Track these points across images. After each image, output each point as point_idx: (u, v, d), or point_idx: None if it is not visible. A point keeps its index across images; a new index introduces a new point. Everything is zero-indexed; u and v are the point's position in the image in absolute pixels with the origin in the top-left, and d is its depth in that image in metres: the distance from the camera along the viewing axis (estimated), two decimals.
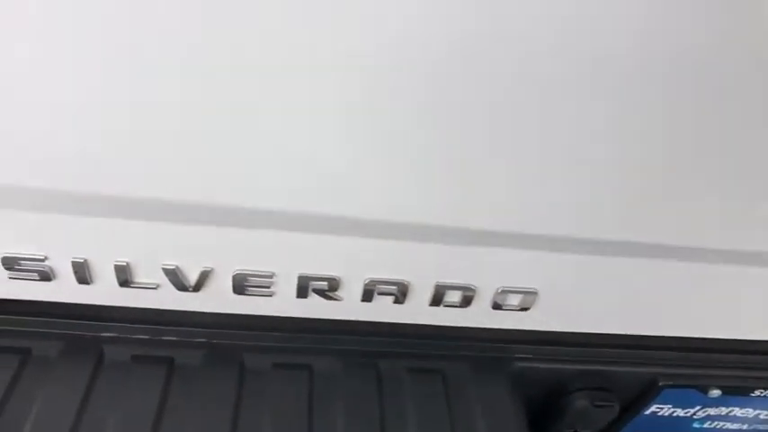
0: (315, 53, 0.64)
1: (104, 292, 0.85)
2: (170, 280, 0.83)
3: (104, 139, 0.69)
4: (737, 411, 1.17)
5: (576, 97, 0.69)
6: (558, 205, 0.78)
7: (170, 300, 0.87)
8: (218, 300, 0.87)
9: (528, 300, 0.89)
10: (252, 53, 0.64)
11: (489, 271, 0.86)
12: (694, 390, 1.11)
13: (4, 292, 0.87)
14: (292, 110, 0.68)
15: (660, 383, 1.08)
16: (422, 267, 0.85)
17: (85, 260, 0.81)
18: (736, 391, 1.12)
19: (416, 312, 0.91)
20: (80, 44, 0.62)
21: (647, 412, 1.15)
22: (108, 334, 0.93)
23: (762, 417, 1.19)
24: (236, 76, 0.65)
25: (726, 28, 0.65)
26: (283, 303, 0.88)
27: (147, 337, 0.94)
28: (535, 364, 1.03)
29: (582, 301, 0.94)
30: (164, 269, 0.82)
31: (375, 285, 0.85)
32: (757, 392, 1.11)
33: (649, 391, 1.10)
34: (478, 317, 0.92)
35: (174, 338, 0.95)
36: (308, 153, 0.71)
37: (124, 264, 0.81)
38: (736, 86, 0.70)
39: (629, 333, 1.03)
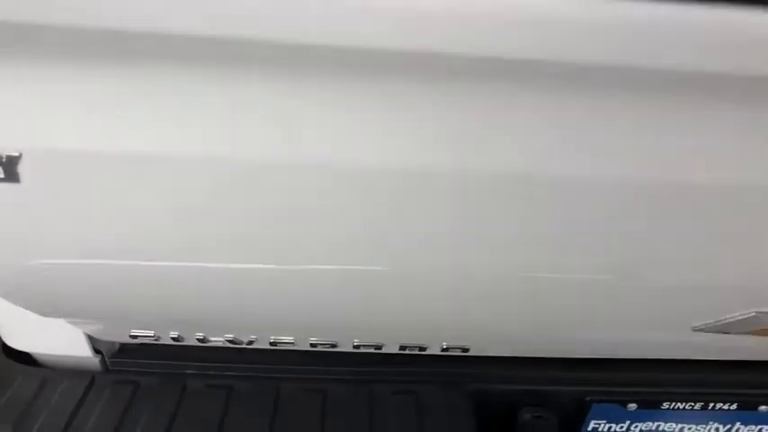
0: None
1: (189, 346, 1.28)
2: (229, 342, 1.25)
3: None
4: (664, 426, 1.31)
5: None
6: None
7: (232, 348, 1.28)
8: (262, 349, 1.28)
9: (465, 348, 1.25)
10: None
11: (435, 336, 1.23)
12: (618, 405, 1.27)
13: None
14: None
15: (587, 399, 1.28)
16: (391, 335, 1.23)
17: (178, 335, 1.24)
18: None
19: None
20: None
21: (589, 428, 1.32)
22: (190, 371, 1.31)
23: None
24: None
25: None
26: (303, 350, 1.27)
27: (215, 372, 1.34)
28: (488, 386, 1.30)
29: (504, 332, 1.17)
30: (225, 338, 1.25)
31: (360, 347, 1.25)
32: (666, 405, 1.27)
33: (581, 408, 1.29)
34: (435, 357, 1.29)
35: (234, 373, 1.30)
36: None
37: (201, 337, 1.25)
38: None
39: (557, 357, 1.28)
